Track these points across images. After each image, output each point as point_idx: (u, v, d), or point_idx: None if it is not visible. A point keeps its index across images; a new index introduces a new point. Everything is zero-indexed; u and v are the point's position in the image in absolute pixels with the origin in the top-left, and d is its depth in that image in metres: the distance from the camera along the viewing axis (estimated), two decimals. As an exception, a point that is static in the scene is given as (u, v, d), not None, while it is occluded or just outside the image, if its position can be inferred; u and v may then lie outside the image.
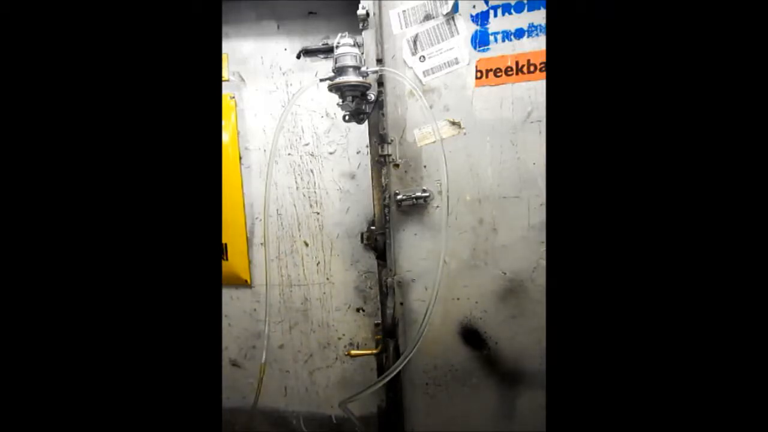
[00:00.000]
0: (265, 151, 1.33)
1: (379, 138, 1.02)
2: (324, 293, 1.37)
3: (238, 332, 1.46)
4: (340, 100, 0.96)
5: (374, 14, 0.99)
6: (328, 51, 1.22)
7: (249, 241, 1.38)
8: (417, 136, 1.00)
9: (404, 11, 0.97)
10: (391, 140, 1.02)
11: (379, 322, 1.22)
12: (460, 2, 0.93)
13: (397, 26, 0.98)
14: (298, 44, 1.25)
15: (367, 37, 1.01)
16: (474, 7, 0.93)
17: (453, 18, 0.94)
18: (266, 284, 1.19)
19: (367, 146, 1.20)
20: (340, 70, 0.94)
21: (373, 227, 1.21)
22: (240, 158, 1.35)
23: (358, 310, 1.36)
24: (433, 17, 0.96)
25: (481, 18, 0.93)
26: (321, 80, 0.99)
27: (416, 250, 1.05)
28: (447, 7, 0.94)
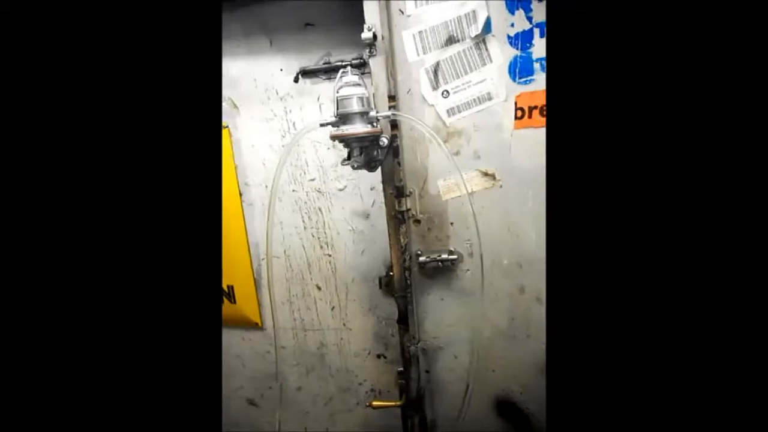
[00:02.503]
0: (266, 186, 1.18)
1: (395, 190, 0.85)
2: (341, 339, 1.25)
3: (253, 372, 1.38)
4: (345, 153, 0.79)
5: (383, 38, 0.78)
6: (330, 71, 1.03)
7: (257, 283, 1.27)
8: (441, 188, 0.83)
9: (420, 33, 0.77)
10: (410, 192, 0.84)
11: (402, 369, 1.11)
12: (493, 19, 0.72)
13: (413, 52, 0.78)
14: (295, 63, 1.06)
15: (376, 66, 0.81)
16: (512, 25, 0.72)
17: (484, 41, 0.73)
18: (274, 329, 1.09)
19: (381, 182, 1.03)
20: (343, 118, 0.75)
21: (392, 273, 1.08)
22: (240, 194, 1.20)
23: (378, 356, 1.24)
24: (459, 40, 0.75)
25: (523, 39, 0.72)
26: (322, 125, 0.81)
27: (443, 315, 0.90)
28: (476, 28, 0.73)
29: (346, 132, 0.73)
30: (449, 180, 0.81)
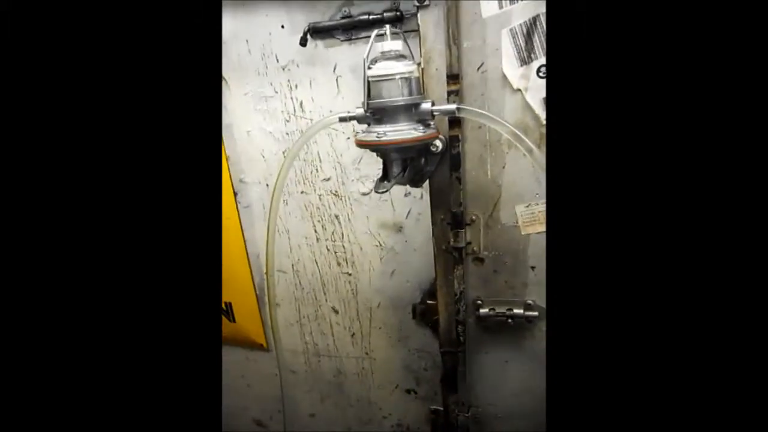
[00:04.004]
0: (267, 185, 0.92)
1: (449, 216, 0.57)
2: (362, 368, 1.04)
3: (260, 394, 1.20)
4: (379, 168, 0.51)
5: (443, -23, 0.48)
6: (351, 29, 0.73)
7: (260, 300, 1.04)
8: (522, 217, 0.55)
9: (509, -33, 0.46)
10: (473, 220, 0.57)
11: (438, 408, 0.92)
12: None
13: (492, 3, 0.47)
14: (302, 17, 0.76)
15: (428, 24, 0.51)
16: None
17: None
18: (276, 351, 0.89)
19: (430, 205, 0.76)
20: (378, 112, 0.47)
21: (430, 301, 0.84)
22: (235, 194, 0.95)
23: (408, 391, 1.03)
24: (576, -21, 0.44)
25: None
26: (342, 120, 0.53)
27: (506, 381, 0.66)
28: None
29: (383, 139, 0.45)
30: (536, 206, 0.53)
